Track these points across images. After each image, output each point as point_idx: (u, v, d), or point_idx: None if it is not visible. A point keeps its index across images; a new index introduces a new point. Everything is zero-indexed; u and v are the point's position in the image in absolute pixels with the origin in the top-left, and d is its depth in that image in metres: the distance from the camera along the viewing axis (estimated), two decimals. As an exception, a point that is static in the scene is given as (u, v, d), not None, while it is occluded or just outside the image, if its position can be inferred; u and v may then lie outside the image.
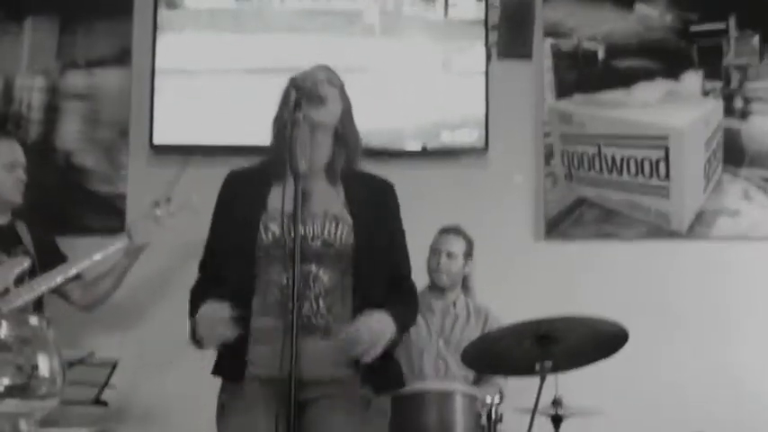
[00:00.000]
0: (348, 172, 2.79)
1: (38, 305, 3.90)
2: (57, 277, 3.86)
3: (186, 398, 4.38)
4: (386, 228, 2.79)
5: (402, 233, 2.85)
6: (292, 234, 2.52)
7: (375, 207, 2.77)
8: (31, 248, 3.96)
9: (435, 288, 4.38)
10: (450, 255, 4.34)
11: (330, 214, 2.69)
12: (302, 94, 2.59)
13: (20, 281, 3.76)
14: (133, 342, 4.65)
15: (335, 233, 2.67)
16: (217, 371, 2.74)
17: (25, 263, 3.80)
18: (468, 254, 4.38)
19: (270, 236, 2.65)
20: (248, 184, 2.79)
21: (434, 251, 4.36)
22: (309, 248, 2.63)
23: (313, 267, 2.64)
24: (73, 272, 3.91)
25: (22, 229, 4.03)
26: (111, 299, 4.19)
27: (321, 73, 2.75)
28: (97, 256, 3.97)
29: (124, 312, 4.59)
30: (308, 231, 2.65)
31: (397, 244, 2.82)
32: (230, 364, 2.67)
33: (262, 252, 2.66)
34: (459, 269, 4.36)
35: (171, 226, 4.02)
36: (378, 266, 2.71)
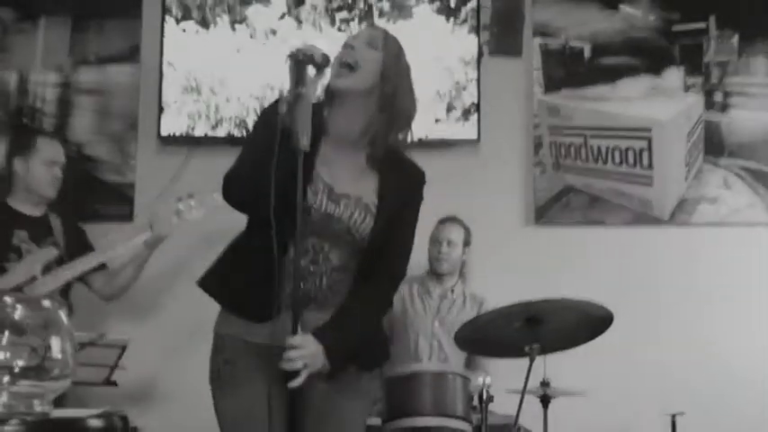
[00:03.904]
0: (389, 153, 2.55)
1: (65, 291, 3.94)
2: (79, 267, 3.89)
3: (193, 380, 4.38)
4: (401, 224, 2.59)
5: (413, 232, 2.66)
6: (324, 209, 2.48)
7: (400, 201, 2.57)
8: (61, 240, 4.01)
9: (435, 274, 4.39)
10: (450, 243, 4.37)
11: (362, 203, 2.52)
12: (303, 68, 2.37)
13: (47, 270, 3.78)
14: (146, 325, 4.65)
15: (360, 223, 2.52)
16: (238, 310, 2.56)
17: (52, 254, 3.83)
18: (467, 242, 4.41)
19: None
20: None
21: (435, 240, 4.38)
22: (330, 229, 2.51)
23: (326, 246, 2.52)
24: (94, 262, 3.93)
25: (55, 221, 4.08)
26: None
27: (360, 34, 2.57)
28: (120, 249, 3.98)
29: (140, 298, 4.58)
30: (336, 212, 2.50)
31: (403, 240, 2.63)
32: (259, 303, 2.45)
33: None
34: (458, 256, 4.39)
35: (192, 221, 3.98)
36: (382, 256, 2.57)
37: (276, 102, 2.46)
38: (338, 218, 2.50)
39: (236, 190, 2.51)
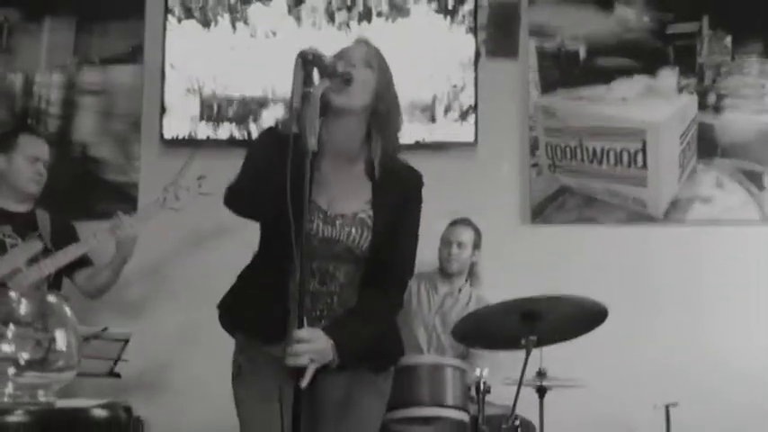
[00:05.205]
0: (382, 163, 2.52)
1: (56, 286, 3.92)
2: (61, 258, 3.84)
3: (197, 371, 4.40)
4: (402, 229, 2.56)
5: (416, 234, 2.62)
6: (321, 234, 2.46)
7: (397, 207, 2.55)
8: (47, 234, 3.96)
9: (444, 273, 4.41)
10: (460, 244, 4.38)
11: (358, 219, 2.51)
12: (311, 68, 2.33)
13: (33, 262, 3.76)
14: (150, 318, 4.66)
15: (359, 240, 2.50)
16: (251, 331, 2.58)
17: (37, 246, 3.80)
18: (476, 244, 4.41)
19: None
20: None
21: (446, 242, 4.40)
22: (331, 251, 2.50)
23: (331, 267, 2.51)
24: (75, 253, 3.88)
25: (43, 217, 4.04)
26: (128, 284, 4.18)
27: (357, 52, 2.53)
28: (99, 241, 3.94)
29: (144, 291, 4.59)
30: (333, 234, 2.49)
31: (407, 245, 2.61)
32: (270, 326, 2.47)
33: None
34: (467, 257, 4.40)
35: (178, 208, 3.95)
36: (386, 264, 2.55)
37: (275, 126, 2.46)
38: (336, 239, 2.49)
39: (238, 197, 2.48)
